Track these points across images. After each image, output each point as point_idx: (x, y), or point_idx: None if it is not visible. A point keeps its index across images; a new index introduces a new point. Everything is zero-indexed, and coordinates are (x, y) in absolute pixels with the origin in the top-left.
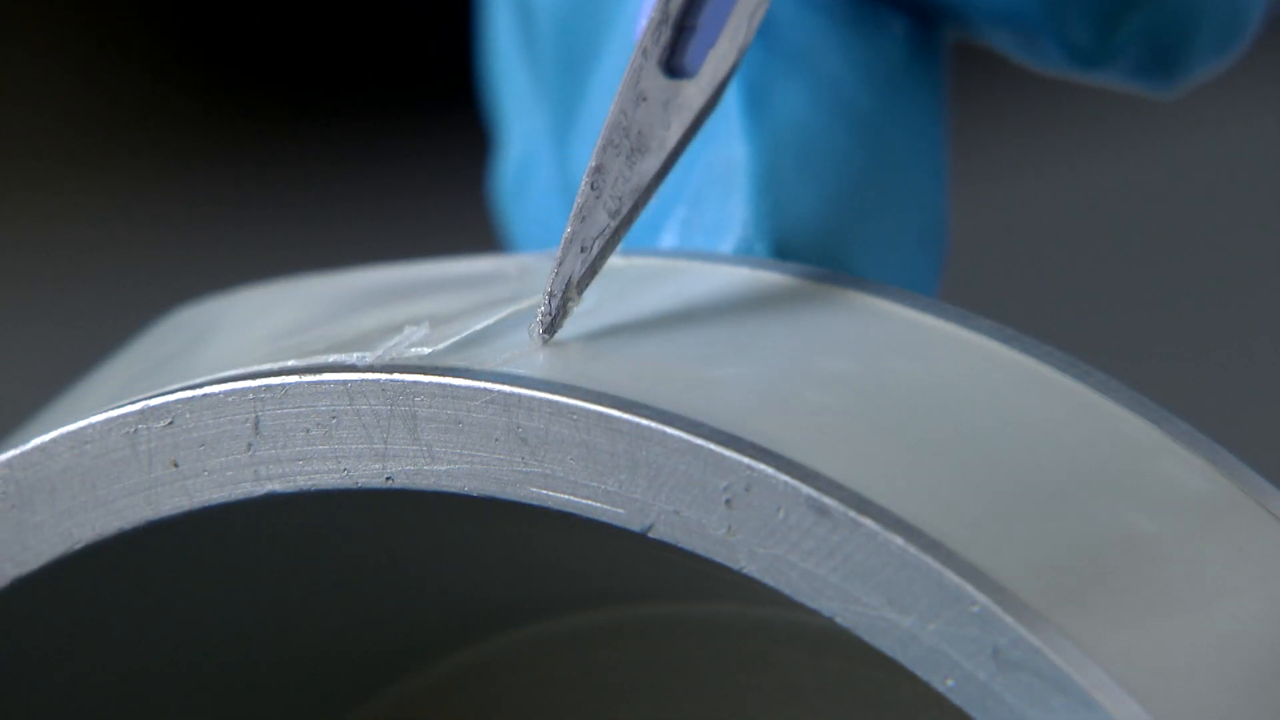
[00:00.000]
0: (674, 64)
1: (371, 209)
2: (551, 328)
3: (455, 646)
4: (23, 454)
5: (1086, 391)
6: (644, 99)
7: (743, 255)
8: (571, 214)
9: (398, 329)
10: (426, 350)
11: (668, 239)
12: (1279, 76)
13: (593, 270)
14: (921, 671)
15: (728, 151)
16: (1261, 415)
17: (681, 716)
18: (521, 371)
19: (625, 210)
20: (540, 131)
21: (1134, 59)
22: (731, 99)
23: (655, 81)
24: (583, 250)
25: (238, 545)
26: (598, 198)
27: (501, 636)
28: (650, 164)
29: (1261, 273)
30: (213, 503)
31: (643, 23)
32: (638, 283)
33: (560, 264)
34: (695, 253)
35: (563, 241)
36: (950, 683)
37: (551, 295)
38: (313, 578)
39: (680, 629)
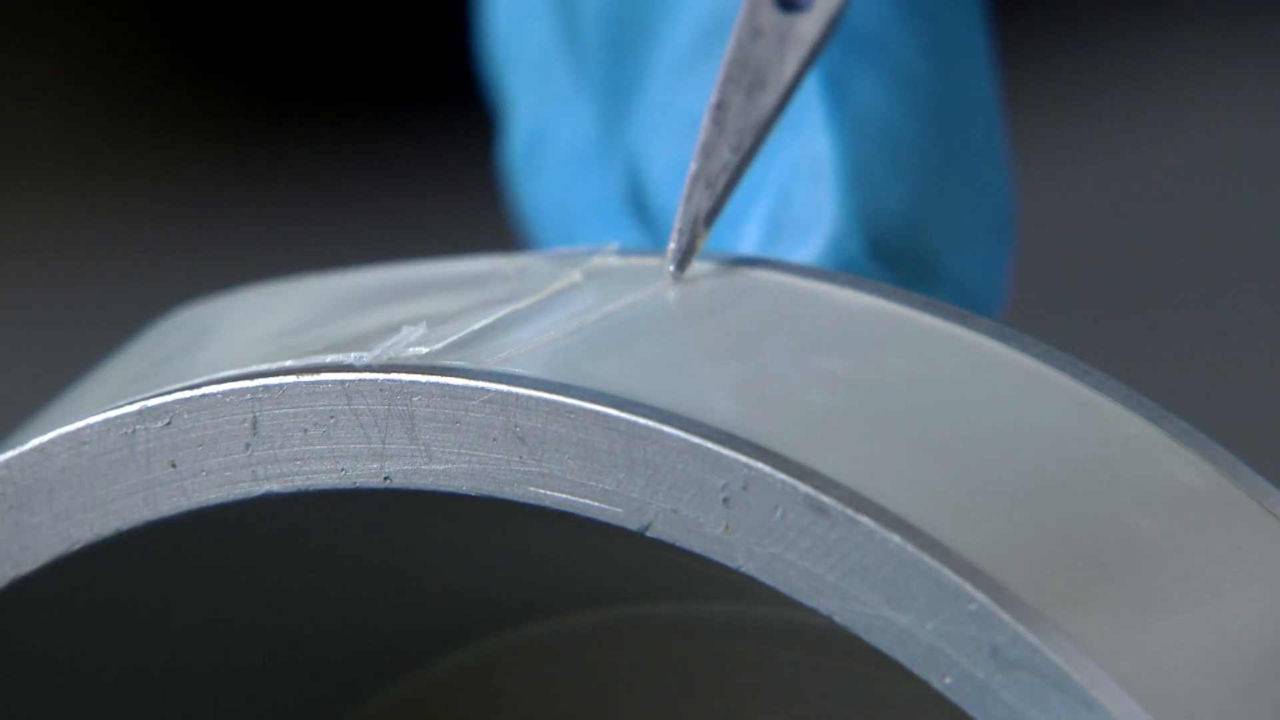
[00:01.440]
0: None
1: (370, 209)
2: (683, 263)
3: (455, 646)
4: (20, 455)
5: (1085, 390)
6: (760, 33)
7: (834, 253)
8: (696, 151)
9: (395, 329)
10: (424, 350)
11: (751, 233)
12: (1279, 76)
13: (719, 205)
14: (919, 670)
15: (812, 145)
16: (1259, 414)
17: (681, 716)
18: (519, 371)
19: (747, 145)
20: (556, 104)
21: None
22: (811, 91)
23: (770, 16)
24: (708, 186)
25: (236, 546)
26: (720, 134)
27: (501, 636)
28: (769, 98)
29: (1259, 272)
30: (211, 503)
31: None
32: (636, 282)
33: (688, 200)
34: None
35: (688, 179)
36: (948, 681)
37: (680, 232)
38: (311, 578)
39: (680, 629)
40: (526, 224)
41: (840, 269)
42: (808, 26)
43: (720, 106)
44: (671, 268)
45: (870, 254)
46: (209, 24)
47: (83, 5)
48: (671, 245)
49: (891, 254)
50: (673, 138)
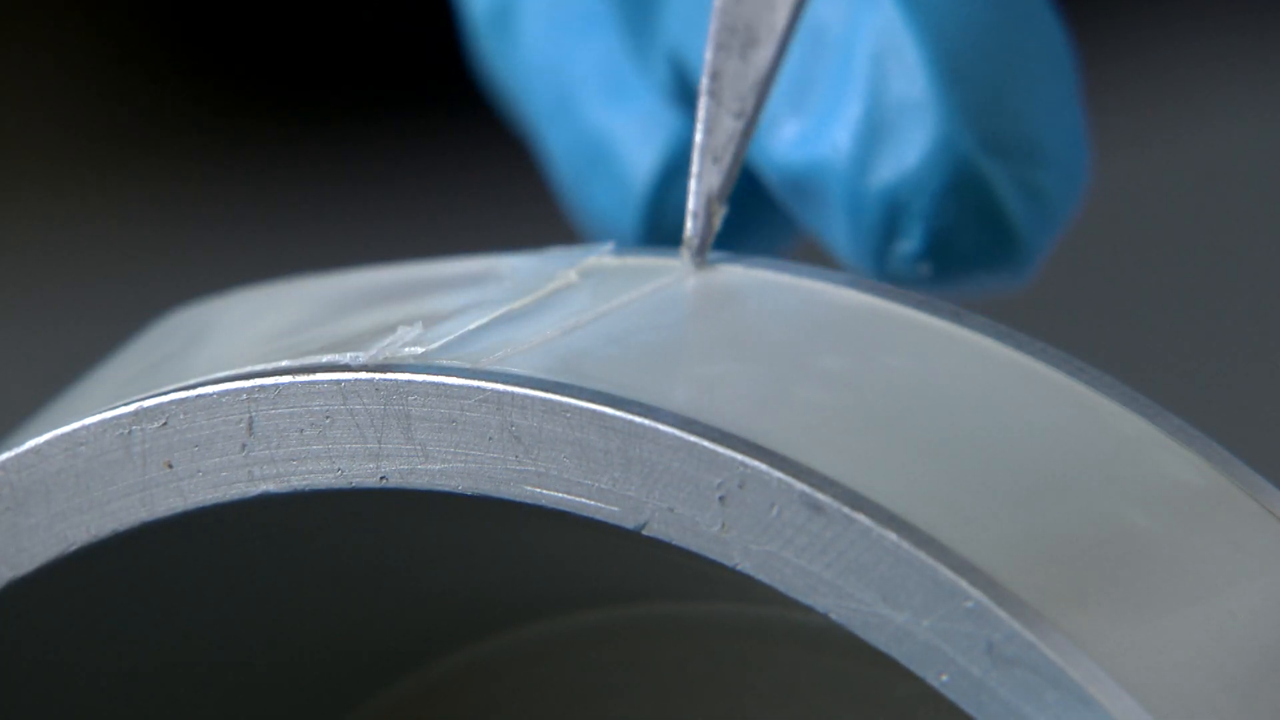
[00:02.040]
0: None
1: (369, 210)
2: (702, 248)
3: (453, 647)
4: (17, 456)
5: (1081, 388)
6: None
7: (946, 153)
8: (696, 128)
9: (391, 329)
10: (420, 350)
11: (843, 139)
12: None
13: (731, 177)
14: (916, 667)
15: (892, 37)
16: (1256, 412)
17: (679, 716)
18: (515, 370)
19: (749, 109)
20: None
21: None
22: None
23: None
24: (715, 161)
25: (232, 546)
26: (719, 104)
27: (499, 637)
28: (764, 53)
29: (1257, 271)
30: (207, 503)
31: None
32: (632, 281)
33: (698, 180)
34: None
35: (694, 158)
36: (945, 678)
37: (695, 214)
38: (308, 578)
39: (677, 628)
40: (499, 95)
41: (952, 168)
42: None
43: (716, 76)
44: (691, 256)
45: (983, 148)
46: (209, 24)
47: (83, 5)
48: (688, 230)
49: (1000, 145)
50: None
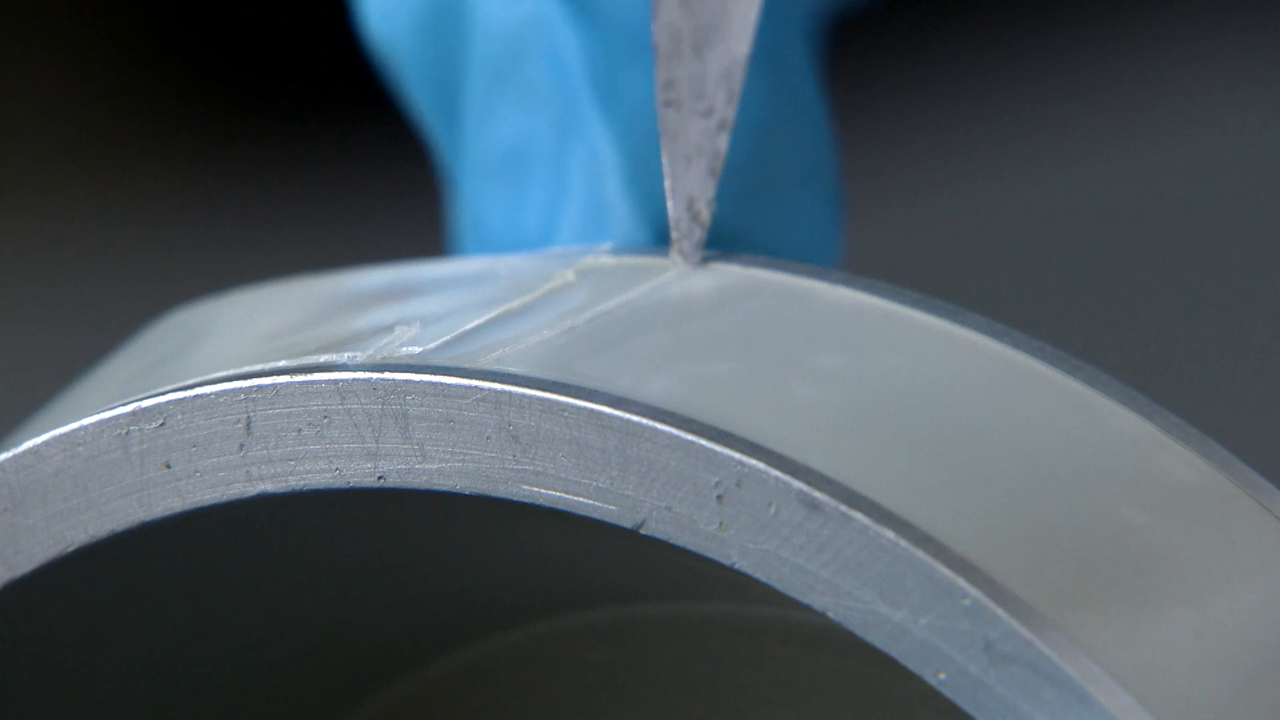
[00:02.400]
0: None
1: (367, 210)
2: (694, 250)
3: (452, 647)
4: (15, 457)
5: (1077, 386)
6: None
7: (632, 245)
8: (661, 142)
9: (389, 329)
10: (417, 349)
11: (563, 244)
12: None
13: (714, 173)
14: (913, 665)
15: (592, 147)
16: (1253, 410)
17: (678, 715)
18: (512, 369)
19: (719, 103)
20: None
21: None
22: (584, 94)
23: None
24: (690, 160)
25: (231, 546)
26: (680, 110)
27: (497, 637)
28: (722, 49)
29: (1254, 270)
30: (205, 504)
31: None
32: (629, 280)
33: (674, 183)
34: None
35: (665, 166)
36: (942, 676)
37: (678, 221)
38: (307, 578)
39: (676, 628)
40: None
41: None
42: None
43: (670, 84)
44: (690, 262)
45: (663, 243)
46: (209, 24)
47: (83, 5)
48: (674, 236)
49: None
50: (494, 181)
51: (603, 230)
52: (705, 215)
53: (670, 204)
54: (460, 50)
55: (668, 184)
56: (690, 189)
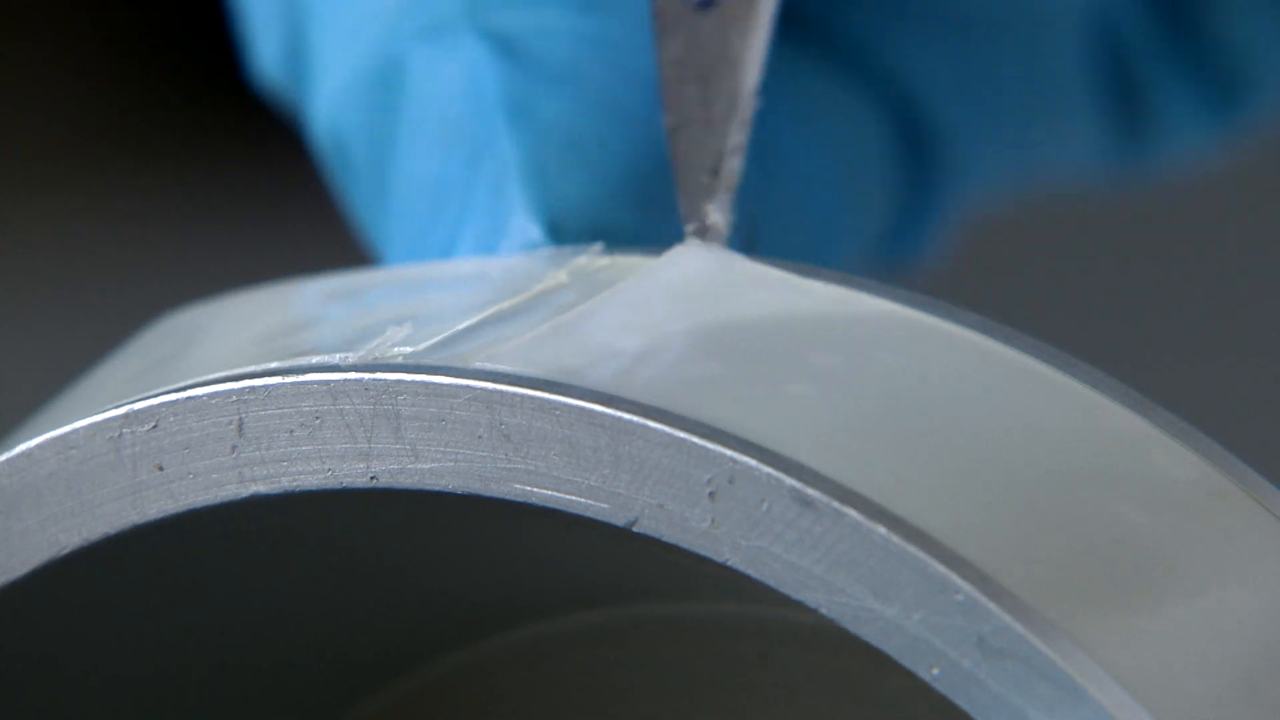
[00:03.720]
0: None
1: None
2: (705, 247)
3: (450, 647)
4: (7, 460)
5: (1073, 384)
6: (692, 37)
7: (519, 241)
8: (672, 165)
9: (380, 330)
10: (409, 349)
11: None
12: None
13: (731, 177)
14: (906, 661)
15: (498, 164)
16: (1250, 408)
17: (677, 715)
18: (504, 368)
19: (731, 133)
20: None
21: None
22: (494, 106)
23: (688, 16)
24: (708, 171)
25: (224, 548)
26: (691, 150)
27: (495, 637)
28: (733, 80)
29: (1252, 269)
30: (198, 505)
31: None
32: (620, 278)
33: (685, 202)
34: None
35: (676, 175)
36: (935, 672)
37: (689, 221)
38: (301, 579)
39: (674, 628)
40: None
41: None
42: (738, 6)
43: (678, 129)
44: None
45: (552, 238)
46: (209, 23)
47: (83, 5)
48: (687, 232)
49: (569, 236)
50: (410, 221)
51: (501, 239)
52: (723, 223)
53: (681, 206)
54: (394, 121)
55: (679, 191)
56: (699, 197)
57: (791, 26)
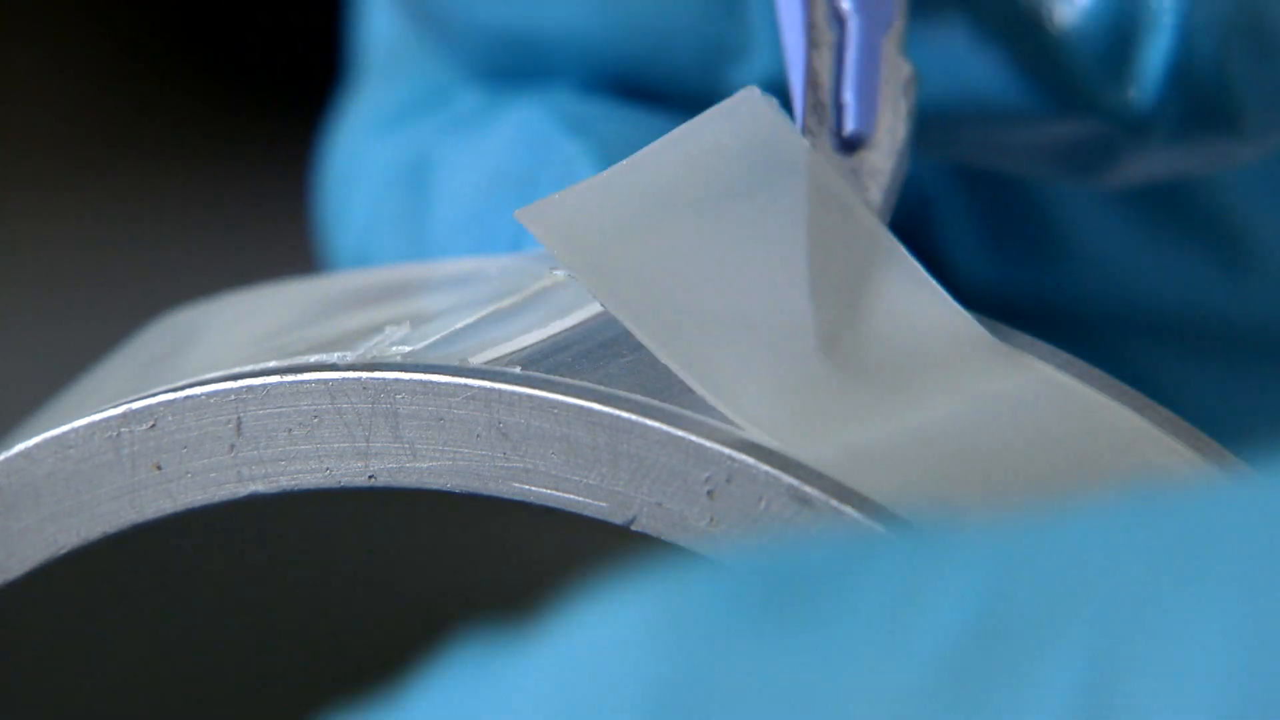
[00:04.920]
0: (845, 139)
1: None
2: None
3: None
4: (6, 460)
5: (1069, 380)
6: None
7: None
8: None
9: (379, 329)
10: (407, 348)
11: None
12: None
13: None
14: None
15: (563, 155)
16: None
17: None
18: (502, 367)
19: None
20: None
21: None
22: (553, 128)
23: (834, 159)
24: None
25: (223, 547)
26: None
27: None
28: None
29: None
30: (196, 505)
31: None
32: None
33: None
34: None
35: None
36: None
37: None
38: (299, 578)
39: None
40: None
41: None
42: (877, 159)
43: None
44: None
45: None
46: (209, 23)
47: (83, 5)
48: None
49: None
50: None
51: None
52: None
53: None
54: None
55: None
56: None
57: None
